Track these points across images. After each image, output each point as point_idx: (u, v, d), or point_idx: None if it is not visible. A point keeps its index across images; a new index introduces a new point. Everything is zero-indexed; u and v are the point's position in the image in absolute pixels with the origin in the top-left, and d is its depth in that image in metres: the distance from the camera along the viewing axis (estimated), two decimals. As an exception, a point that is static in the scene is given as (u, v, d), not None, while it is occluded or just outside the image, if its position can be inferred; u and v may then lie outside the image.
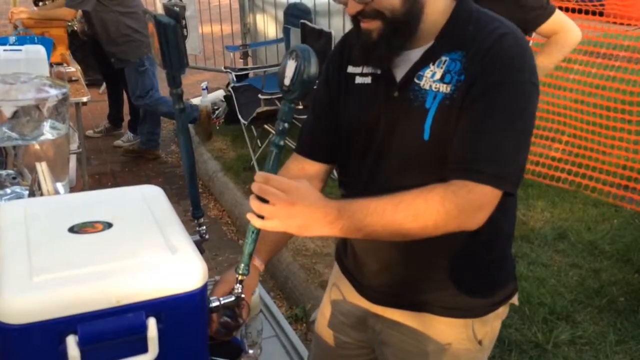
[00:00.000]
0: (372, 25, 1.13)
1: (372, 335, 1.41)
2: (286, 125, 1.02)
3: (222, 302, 1.07)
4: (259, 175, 1.00)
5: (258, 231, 1.03)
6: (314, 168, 1.34)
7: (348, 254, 1.40)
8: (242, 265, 1.06)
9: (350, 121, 1.26)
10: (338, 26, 4.28)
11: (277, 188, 0.98)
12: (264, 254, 1.27)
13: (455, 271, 1.26)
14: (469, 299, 1.29)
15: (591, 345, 2.48)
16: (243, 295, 1.09)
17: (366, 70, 1.23)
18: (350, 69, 1.27)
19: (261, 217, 0.99)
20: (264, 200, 0.98)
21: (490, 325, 1.33)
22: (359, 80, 1.25)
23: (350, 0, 1.12)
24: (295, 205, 0.97)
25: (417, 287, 1.29)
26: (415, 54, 1.16)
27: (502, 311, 1.35)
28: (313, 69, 0.96)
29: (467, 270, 1.27)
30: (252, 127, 4.35)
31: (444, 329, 1.30)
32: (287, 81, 0.99)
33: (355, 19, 1.16)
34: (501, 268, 1.34)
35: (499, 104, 1.08)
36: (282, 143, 1.03)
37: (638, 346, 2.50)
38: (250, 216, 1.00)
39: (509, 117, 1.08)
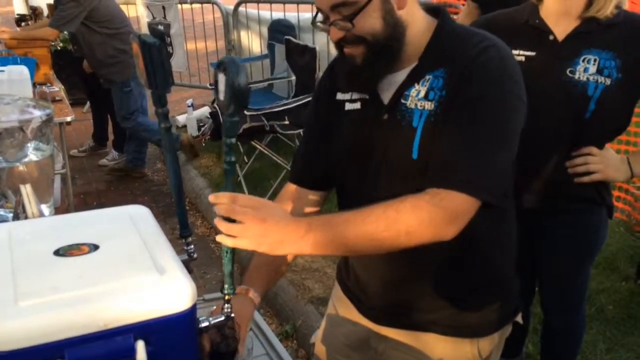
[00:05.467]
0: (355, 51, 1.13)
1: (374, 356, 1.38)
2: (232, 140, 0.99)
3: (211, 322, 1.06)
4: (223, 195, 0.98)
5: (233, 250, 1.01)
6: (308, 196, 1.32)
7: (350, 274, 1.39)
8: (226, 285, 1.05)
9: (342, 147, 1.25)
10: (322, 42, 4.31)
11: (245, 206, 0.96)
12: (259, 287, 1.24)
13: (459, 289, 1.25)
14: (474, 318, 1.27)
15: (582, 354, 2.48)
16: (233, 315, 1.08)
17: (355, 96, 1.23)
18: (340, 96, 1.26)
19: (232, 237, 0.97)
20: (232, 221, 0.96)
21: (496, 344, 1.32)
22: (348, 106, 1.24)
23: (332, 27, 1.12)
24: (265, 221, 0.96)
25: (420, 306, 1.27)
26: (400, 76, 1.17)
27: (507, 329, 1.34)
28: (242, 79, 0.93)
29: (470, 288, 1.26)
30: (239, 143, 4.35)
31: (449, 349, 1.28)
32: (221, 96, 0.96)
33: (339, 45, 1.16)
34: (504, 285, 1.32)
35: (477, 115, 1.08)
36: (233, 159, 1.00)
37: (628, 354, 2.51)
38: (220, 237, 0.98)
39: (488, 128, 1.07)
